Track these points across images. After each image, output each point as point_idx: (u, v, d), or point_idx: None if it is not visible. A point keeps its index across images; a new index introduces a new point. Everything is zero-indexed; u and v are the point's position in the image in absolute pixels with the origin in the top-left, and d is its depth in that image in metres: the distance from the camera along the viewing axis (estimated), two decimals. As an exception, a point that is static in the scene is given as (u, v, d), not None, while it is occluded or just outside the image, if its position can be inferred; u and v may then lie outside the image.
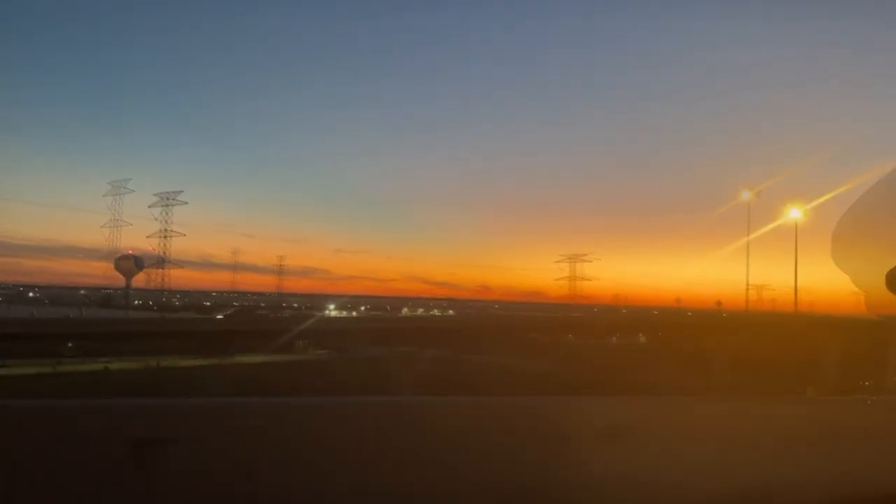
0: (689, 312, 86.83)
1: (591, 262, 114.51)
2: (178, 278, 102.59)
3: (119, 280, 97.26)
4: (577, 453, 3.24)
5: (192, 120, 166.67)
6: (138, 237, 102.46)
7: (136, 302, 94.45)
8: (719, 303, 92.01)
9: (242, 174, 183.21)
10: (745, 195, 57.12)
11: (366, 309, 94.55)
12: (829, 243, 5.50)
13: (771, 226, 58.82)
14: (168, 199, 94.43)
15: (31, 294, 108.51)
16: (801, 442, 3.49)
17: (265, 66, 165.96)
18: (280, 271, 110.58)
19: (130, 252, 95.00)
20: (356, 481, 3.17)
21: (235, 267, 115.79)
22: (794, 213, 44.75)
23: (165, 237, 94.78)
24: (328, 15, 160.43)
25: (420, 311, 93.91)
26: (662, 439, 3.39)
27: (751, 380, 32.91)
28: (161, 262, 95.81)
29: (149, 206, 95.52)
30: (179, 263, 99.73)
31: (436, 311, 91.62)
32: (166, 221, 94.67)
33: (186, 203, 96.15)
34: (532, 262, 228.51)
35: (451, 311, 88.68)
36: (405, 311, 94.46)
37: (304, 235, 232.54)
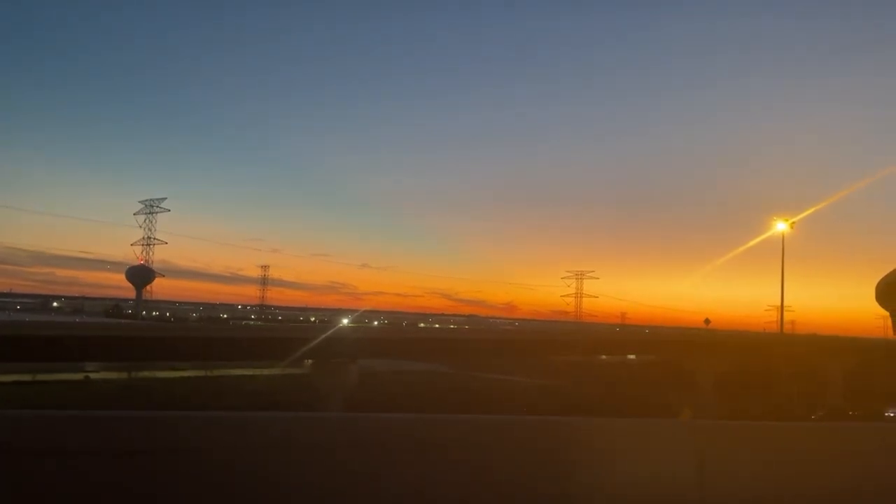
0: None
1: (597, 278, 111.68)
2: (204, 291, 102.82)
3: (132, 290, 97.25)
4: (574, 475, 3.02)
5: (223, 138, 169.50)
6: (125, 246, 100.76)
7: (154, 313, 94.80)
8: (707, 321, 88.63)
9: (271, 191, 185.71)
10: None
11: (379, 323, 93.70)
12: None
13: (760, 237, 56.63)
14: (151, 206, 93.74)
15: (55, 304, 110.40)
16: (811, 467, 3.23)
17: (294, 89, 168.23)
18: (306, 286, 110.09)
19: (141, 262, 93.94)
20: None
21: (262, 281, 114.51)
22: (781, 227, 44.16)
23: (148, 244, 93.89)
24: (361, 40, 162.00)
25: (437, 326, 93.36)
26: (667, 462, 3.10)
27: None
28: (151, 273, 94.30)
29: (133, 214, 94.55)
30: (203, 276, 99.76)
31: (452, 326, 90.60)
32: (150, 229, 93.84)
33: (169, 210, 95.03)
34: (553, 280, 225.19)
35: (466, 327, 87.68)
36: (421, 325, 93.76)
37: (331, 251, 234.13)
